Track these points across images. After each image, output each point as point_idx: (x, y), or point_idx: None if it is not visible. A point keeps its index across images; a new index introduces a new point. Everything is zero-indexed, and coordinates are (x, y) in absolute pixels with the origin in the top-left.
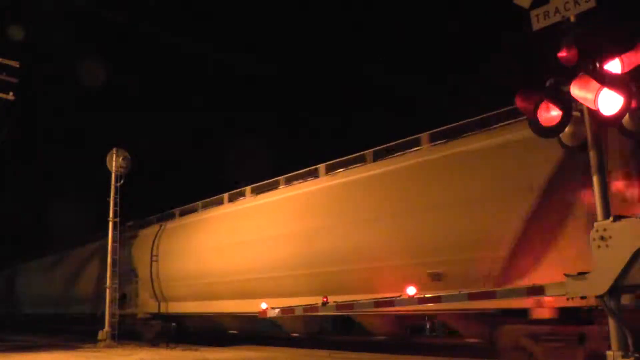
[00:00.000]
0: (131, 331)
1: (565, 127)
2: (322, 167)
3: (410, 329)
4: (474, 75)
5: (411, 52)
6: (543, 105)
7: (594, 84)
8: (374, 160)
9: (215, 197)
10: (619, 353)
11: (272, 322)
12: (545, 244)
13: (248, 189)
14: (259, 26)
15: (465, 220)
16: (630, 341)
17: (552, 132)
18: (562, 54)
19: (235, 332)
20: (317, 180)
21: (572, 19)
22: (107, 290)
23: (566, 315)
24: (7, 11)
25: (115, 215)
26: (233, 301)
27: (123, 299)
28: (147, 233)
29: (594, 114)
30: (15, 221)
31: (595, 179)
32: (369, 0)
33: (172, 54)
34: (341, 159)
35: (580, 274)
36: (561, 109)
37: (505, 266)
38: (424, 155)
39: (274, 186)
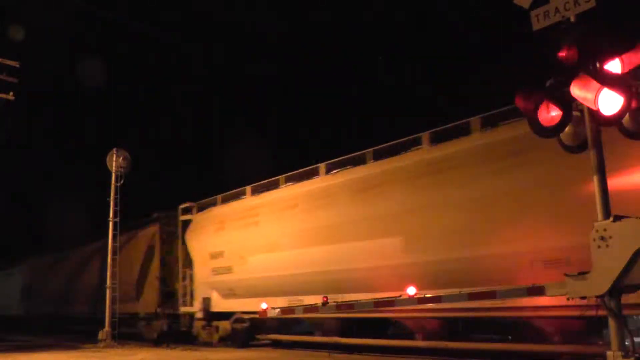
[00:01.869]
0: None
1: (565, 127)
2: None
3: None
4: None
5: (410, 51)
6: (543, 105)
7: (594, 84)
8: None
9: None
10: (619, 353)
11: None
12: None
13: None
14: (259, 26)
15: None
16: (630, 341)
17: (552, 132)
18: (562, 54)
19: None
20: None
21: (572, 19)
22: (107, 291)
23: None
24: (7, 11)
25: (115, 215)
26: None
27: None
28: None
29: (594, 114)
30: (15, 221)
31: (595, 179)
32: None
33: (172, 54)
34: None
35: (580, 274)
36: (561, 109)
37: None
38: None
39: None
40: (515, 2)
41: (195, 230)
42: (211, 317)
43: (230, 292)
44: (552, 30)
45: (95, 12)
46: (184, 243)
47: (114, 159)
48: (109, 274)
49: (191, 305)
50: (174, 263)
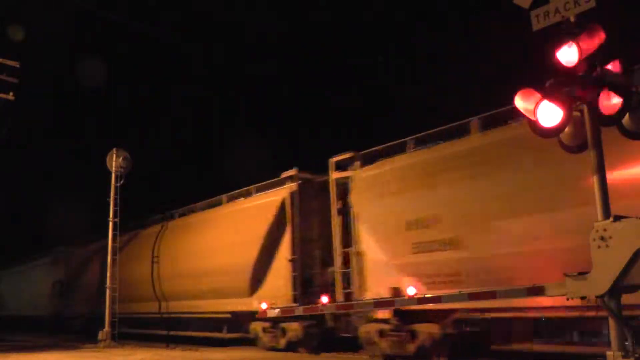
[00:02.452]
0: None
1: (565, 127)
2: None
3: None
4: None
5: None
6: (543, 105)
7: (594, 85)
8: None
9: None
10: (619, 353)
11: None
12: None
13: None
14: (259, 26)
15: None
16: (630, 341)
17: (552, 132)
18: (562, 54)
19: None
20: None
21: (572, 19)
22: (107, 291)
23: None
24: (7, 11)
25: (115, 215)
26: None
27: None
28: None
29: (594, 114)
30: (15, 221)
31: (595, 179)
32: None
33: (172, 54)
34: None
35: (580, 274)
36: (561, 108)
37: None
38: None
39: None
40: (515, 2)
41: (368, 191)
42: (401, 316)
43: (449, 279)
44: (552, 30)
45: (95, 12)
46: (343, 210)
47: (114, 159)
48: (108, 274)
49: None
50: (316, 240)
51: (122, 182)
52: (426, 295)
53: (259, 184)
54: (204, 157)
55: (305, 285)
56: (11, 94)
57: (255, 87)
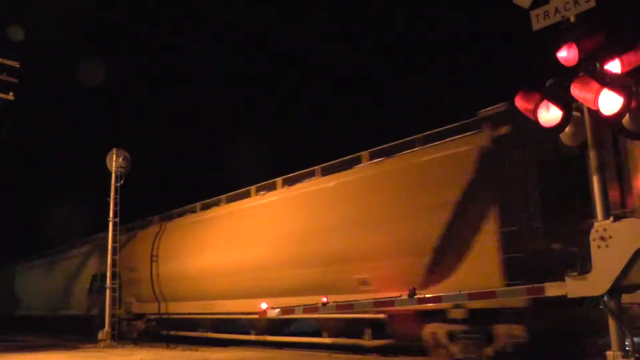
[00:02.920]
0: None
1: (565, 127)
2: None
3: None
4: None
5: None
6: (543, 105)
7: (594, 84)
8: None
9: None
10: (619, 353)
11: None
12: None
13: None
14: (259, 26)
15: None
16: (630, 341)
17: (552, 132)
18: (562, 54)
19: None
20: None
21: (572, 19)
22: (107, 291)
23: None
24: (7, 11)
25: (115, 215)
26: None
27: None
28: None
29: (594, 114)
30: (15, 221)
31: (595, 179)
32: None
33: (172, 54)
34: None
35: (580, 274)
36: (561, 109)
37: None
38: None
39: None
40: (515, 2)
41: None
42: None
43: None
44: (552, 30)
45: (95, 12)
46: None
47: (114, 159)
48: (108, 274)
49: None
50: (532, 205)
51: (122, 182)
52: (426, 295)
53: (431, 132)
54: (204, 157)
55: (524, 270)
56: (11, 94)
57: (255, 87)
